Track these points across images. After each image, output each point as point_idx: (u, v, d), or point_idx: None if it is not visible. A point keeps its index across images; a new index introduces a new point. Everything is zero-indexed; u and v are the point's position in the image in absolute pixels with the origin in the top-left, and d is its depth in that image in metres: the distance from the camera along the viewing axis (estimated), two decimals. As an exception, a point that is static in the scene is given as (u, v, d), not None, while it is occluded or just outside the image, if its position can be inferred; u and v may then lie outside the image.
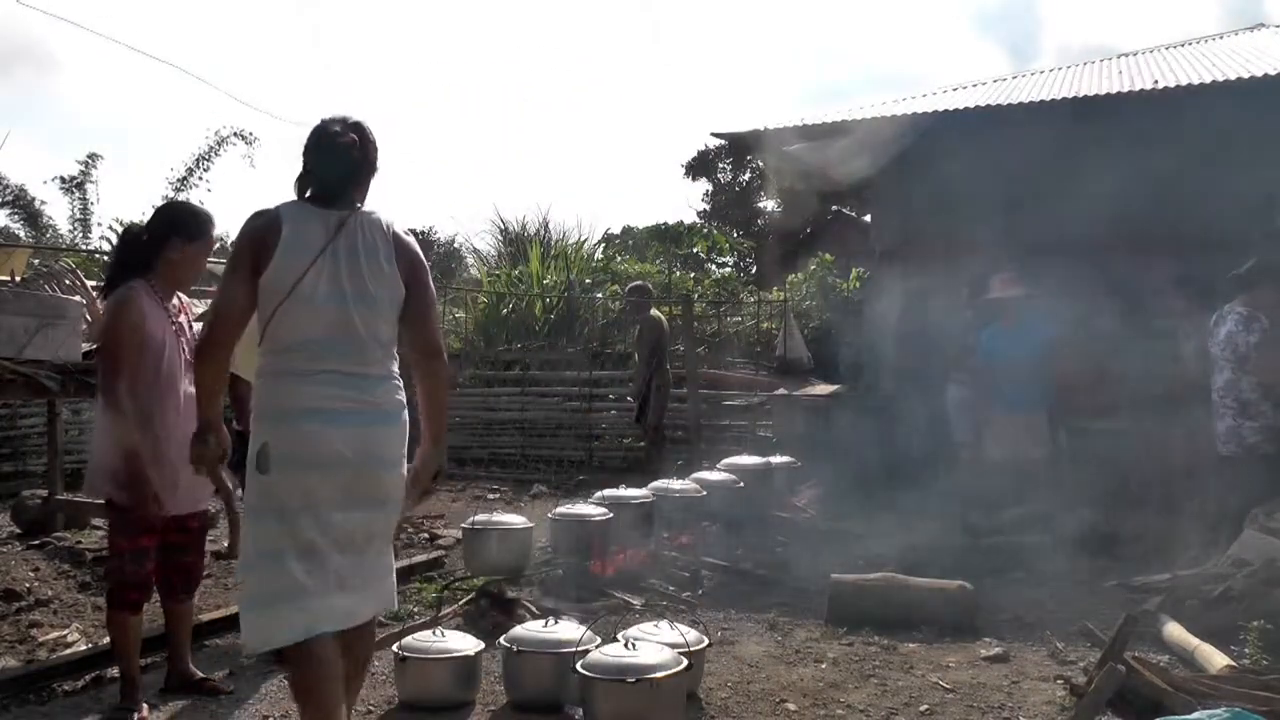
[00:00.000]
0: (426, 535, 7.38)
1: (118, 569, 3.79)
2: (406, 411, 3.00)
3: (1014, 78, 10.54)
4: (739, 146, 14.51)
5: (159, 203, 23.10)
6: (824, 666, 4.31)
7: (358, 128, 2.97)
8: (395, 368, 3.00)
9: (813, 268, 13.70)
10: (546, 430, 11.78)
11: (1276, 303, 5.84)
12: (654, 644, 3.63)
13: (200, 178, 22.91)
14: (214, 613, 4.87)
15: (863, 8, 63.85)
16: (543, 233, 18.30)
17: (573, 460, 11.30)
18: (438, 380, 3.02)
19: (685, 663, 3.54)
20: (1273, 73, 7.79)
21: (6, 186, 22.05)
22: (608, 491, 6.17)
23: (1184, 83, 8.20)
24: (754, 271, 23.34)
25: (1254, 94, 7.76)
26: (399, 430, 2.96)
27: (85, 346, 4.75)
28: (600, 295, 14.63)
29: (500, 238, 18.85)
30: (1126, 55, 10.64)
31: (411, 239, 3.06)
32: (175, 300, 3.93)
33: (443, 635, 3.91)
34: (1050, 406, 7.16)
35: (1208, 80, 8.13)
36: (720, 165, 30.62)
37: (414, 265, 2.99)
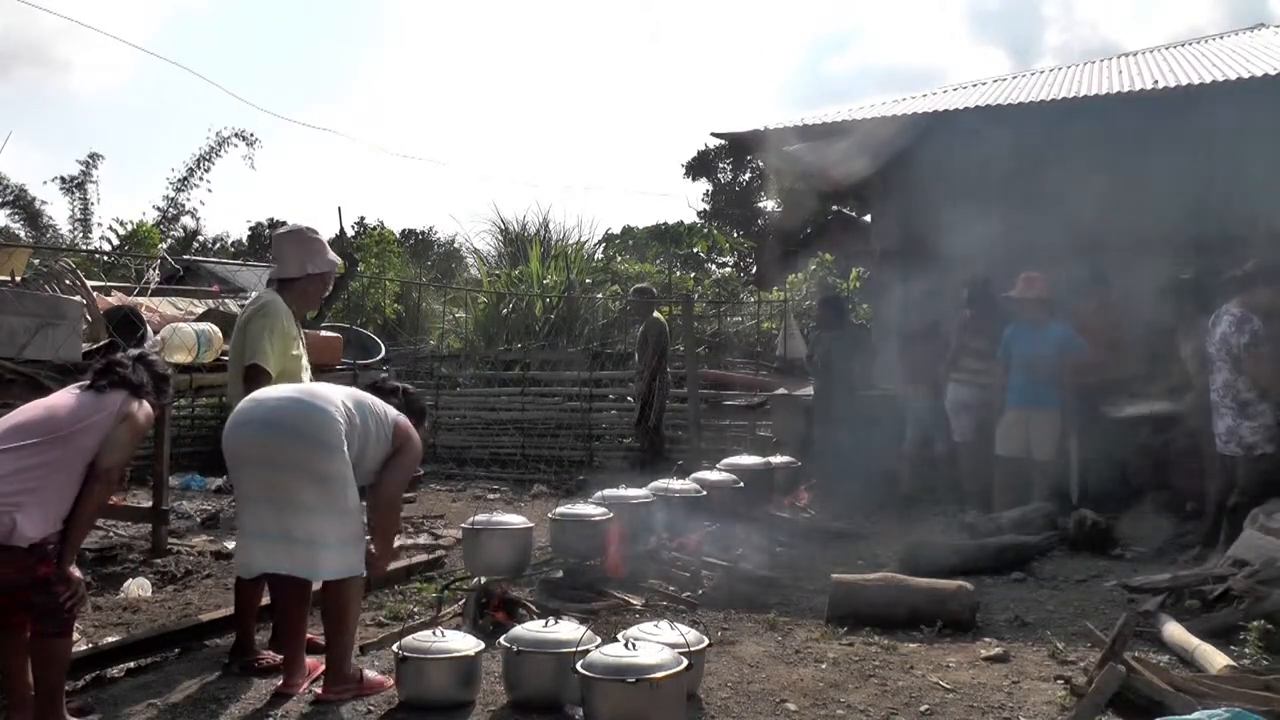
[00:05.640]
0: (427, 535, 7.37)
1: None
2: None
3: (1014, 78, 10.53)
4: (739, 146, 14.50)
5: (159, 203, 23.13)
6: (824, 666, 4.31)
7: None
8: None
9: (813, 268, 13.70)
10: (546, 430, 11.77)
11: (1270, 303, 5.84)
12: (654, 644, 3.62)
13: (201, 178, 23.00)
14: (213, 613, 4.86)
15: (863, 8, 63.89)
16: (543, 233, 18.28)
17: (573, 460, 11.29)
18: None
19: (685, 663, 3.53)
20: (1273, 73, 7.78)
21: (6, 186, 22.10)
22: (608, 491, 6.14)
23: (1184, 83, 8.19)
24: (754, 271, 23.35)
25: (1254, 94, 7.76)
26: None
27: (85, 346, 4.75)
28: (600, 295, 14.63)
29: (500, 238, 18.84)
30: (1126, 55, 10.63)
31: None
32: None
33: (443, 635, 3.90)
34: (1063, 405, 7.15)
35: (1208, 80, 8.12)
36: (720, 165, 30.62)
37: None
